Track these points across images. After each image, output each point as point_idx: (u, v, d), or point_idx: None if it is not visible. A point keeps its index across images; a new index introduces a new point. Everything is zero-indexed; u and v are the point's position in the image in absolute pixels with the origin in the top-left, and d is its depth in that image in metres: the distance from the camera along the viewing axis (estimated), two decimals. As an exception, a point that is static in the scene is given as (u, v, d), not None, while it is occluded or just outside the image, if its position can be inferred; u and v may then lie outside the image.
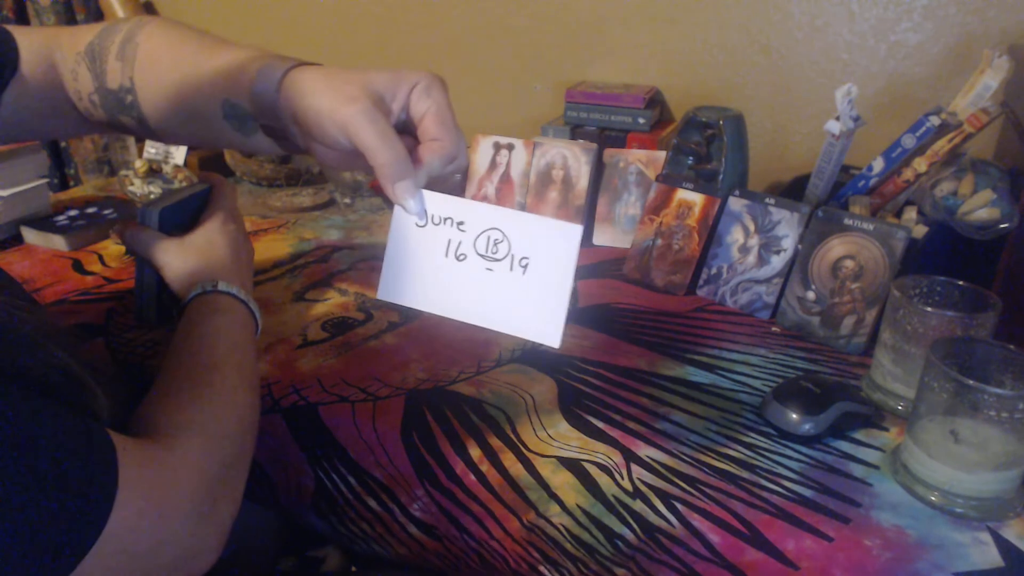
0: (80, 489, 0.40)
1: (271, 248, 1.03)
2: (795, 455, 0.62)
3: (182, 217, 0.74)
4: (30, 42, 0.63)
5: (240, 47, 0.59)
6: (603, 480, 0.60)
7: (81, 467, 0.40)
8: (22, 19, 1.59)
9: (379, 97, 0.52)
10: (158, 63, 0.61)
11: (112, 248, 1.02)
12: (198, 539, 0.48)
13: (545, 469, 0.61)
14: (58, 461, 0.39)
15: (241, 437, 0.56)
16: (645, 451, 0.62)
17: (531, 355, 0.76)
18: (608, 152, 1.05)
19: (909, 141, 0.85)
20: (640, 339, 0.79)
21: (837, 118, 0.84)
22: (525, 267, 0.52)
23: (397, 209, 0.55)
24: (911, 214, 0.85)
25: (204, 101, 0.59)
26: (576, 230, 0.50)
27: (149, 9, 1.55)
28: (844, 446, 0.63)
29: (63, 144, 1.71)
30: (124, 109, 0.63)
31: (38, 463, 0.38)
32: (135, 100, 0.62)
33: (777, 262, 0.84)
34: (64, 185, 1.74)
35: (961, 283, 0.67)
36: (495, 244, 0.53)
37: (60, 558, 0.39)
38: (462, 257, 0.53)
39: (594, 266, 0.98)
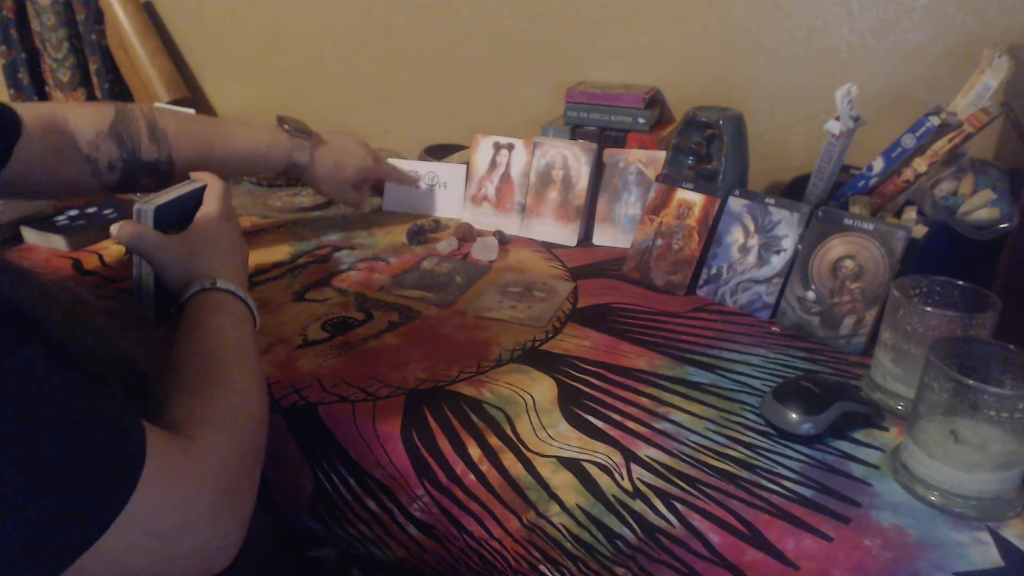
0: (109, 459, 0.42)
1: (271, 248, 1.03)
2: (795, 455, 0.62)
3: (178, 215, 0.73)
4: (28, 110, 0.77)
5: (245, 125, 0.94)
6: (603, 480, 0.60)
7: (112, 439, 0.42)
8: (22, 19, 1.59)
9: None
10: (189, 146, 0.88)
11: (112, 248, 1.02)
12: (218, 531, 0.48)
13: (545, 469, 0.61)
14: (94, 431, 0.41)
15: (256, 434, 0.56)
16: (645, 451, 0.62)
17: (531, 355, 0.76)
18: (608, 152, 1.05)
19: (909, 141, 0.85)
20: (640, 339, 0.79)
21: (837, 118, 0.84)
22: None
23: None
24: (911, 214, 0.85)
25: (233, 171, 0.94)
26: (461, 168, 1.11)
27: (149, 9, 1.55)
28: (844, 446, 0.63)
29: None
30: (154, 174, 0.86)
31: (78, 429, 0.41)
32: (171, 170, 0.87)
33: (777, 262, 0.84)
34: (64, 185, 1.74)
35: (961, 283, 0.67)
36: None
37: (86, 522, 0.40)
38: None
39: (594, 266, 0.98)
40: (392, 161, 1.15)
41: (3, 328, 0.41)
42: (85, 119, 0.81)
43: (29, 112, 0.76)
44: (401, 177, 1.11)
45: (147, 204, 0.70)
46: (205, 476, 0.48)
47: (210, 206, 0.76)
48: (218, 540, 0.48)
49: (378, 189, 1.17)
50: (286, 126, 0.99)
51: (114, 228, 0.71)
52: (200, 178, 0.79)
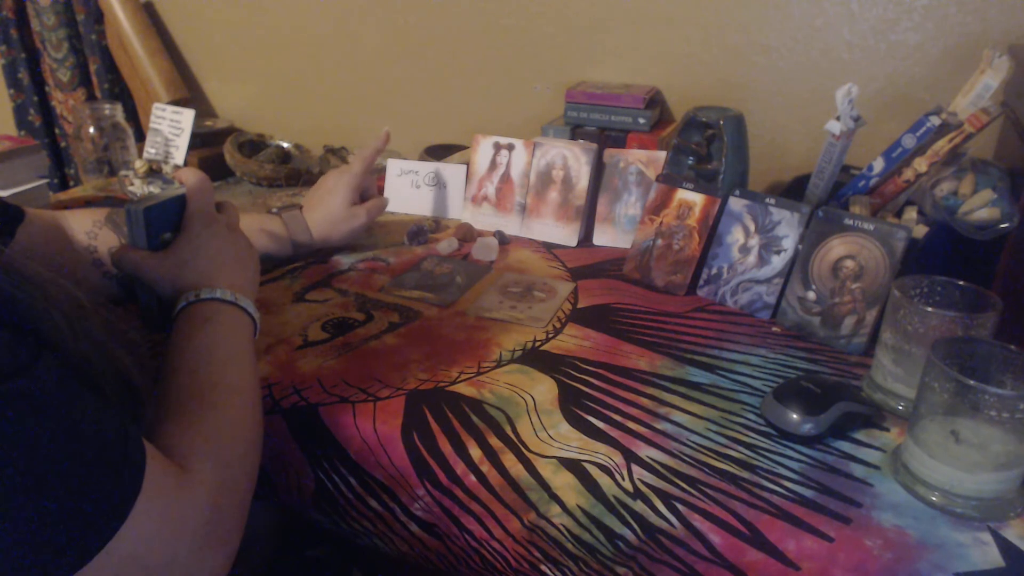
0: (106, 484, 0.42)
1: (271, 248, 1.02)
2: (796, 455, 0.62)
3: (172, 216, 0.72)
4: (32, 210, 0.76)
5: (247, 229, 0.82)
6: (604, 481, 0.59)
7: (111, 464, 0.42)
8: (22, 19, 1.59)
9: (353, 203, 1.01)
10: None
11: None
12: (205, 566, 0.48)
13: (546, 470, 0.61)
14: (95, 450, 0.42)
15: (247, 459, 0.56)
16: (646, 451, 0.62)
17: (531, 355, 0.76)
18: (608, 152, 1.05)
19: (909, 141, 0.85)
20: (640, 339, 0.79)
21: (837, 118, 0.84)
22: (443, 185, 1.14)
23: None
24: (911, 214, 0.85)
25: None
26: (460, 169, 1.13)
27: (149, 9, 1.55)
28: (845, 446, 0.63)
29: (63, 144, 1.71)
30: None
31: (79, 449, 0.41)
32: None
33: (777, 262, 0.84)
34: (64, 185, 1.75)
35: (961, 283, 0.67)
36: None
37: (78, 546, 0.40)
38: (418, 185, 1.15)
39: (594, 266, 0.98)
40: (393, 161, 1.15)
41: (20, 342, 0.41)
42: (80, 215, 0.80)
43: (29, 210, 0.76)
44: (374, 149, 1.03)
45: (137, 206, 0.69)
46: (196, 510, 0.47)
47: (191, 211, 0.72)
48: (205, 573, 0.48)
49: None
50: (273, 209, 0.97)
51: (111, 251, 0.71)
52: (181, 179, 0.74)
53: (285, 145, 1.38)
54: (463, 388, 0.71)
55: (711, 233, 0.90)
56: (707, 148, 0.97)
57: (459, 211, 1.13)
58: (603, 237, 1.05)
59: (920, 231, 0.81)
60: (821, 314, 0.80)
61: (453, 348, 0.77)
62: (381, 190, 1.16)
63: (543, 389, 0.71)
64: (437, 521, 0.63)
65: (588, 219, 1.06)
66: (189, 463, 0.50)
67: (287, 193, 1.25)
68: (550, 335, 0.80)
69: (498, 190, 1.09)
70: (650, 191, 0.95)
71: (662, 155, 1.00)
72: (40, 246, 0.73)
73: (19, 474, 0.38)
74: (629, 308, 0.87)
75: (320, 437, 0.67)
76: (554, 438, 0.64)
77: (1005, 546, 0.53)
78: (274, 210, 0.97)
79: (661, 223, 0.93)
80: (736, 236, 0.88)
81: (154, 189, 1.19)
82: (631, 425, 0.66)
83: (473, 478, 0.61)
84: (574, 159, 1.05)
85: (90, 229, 0.78)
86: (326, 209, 0.98)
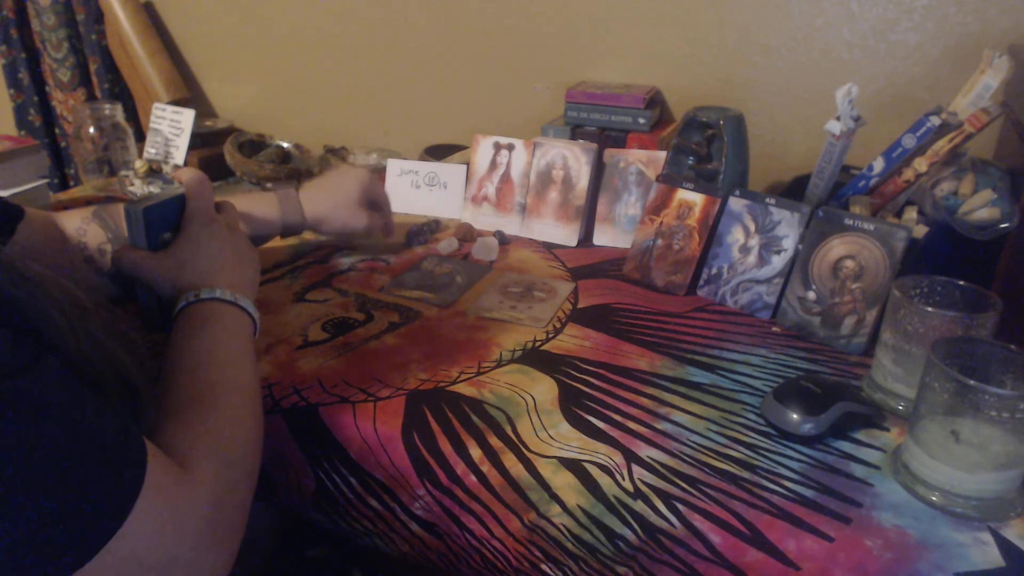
0: (106, 484, 0.42)
1: (271, 248, 1.02)
2: (796, 455, 0.62)
3: (172, 216, 0.71)
4: (30, 209, 0.75)
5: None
6: (604, 480, 0.60)
7: (111, 464, 0.42)
8: (22, 19, 1.59)
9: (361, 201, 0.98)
10: None
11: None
12: (206, 565, 0.48)
13: (546, 470, 0.61)
14: (95, 450, 0.42)
15: (248, 458, 0.56)
16: (646, 451, 0.62)
17: (532, 355, 0.76)
18: (608, 152, 1.05)
19: (909, 141, 0.85)
20: (640, 339, 0.79)
21: (838, 118, 0.84)
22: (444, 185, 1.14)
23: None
24: (911, 214, 0.85)
25: None
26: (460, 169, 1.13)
27: (149, 9, 1.55)
28: (845, 446, 0.63)
29: (63, 144, 1.71)
30: None
31: (79, 449, 0.41)
32: None
33: (778, 262, 0.84)
34: (64, 185, 1.74)
35: (961, 283, 0.67)
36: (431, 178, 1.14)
37: (78, 545, 0.40)
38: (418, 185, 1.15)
39: (594, 266, 0.98)
40: (393, 161, 1.15)
41: (20, 342, 0.41)
42: (71, 214, 0.79)
43: (28, 209, 0.75)
44: (389, 214, 1.02)
45: (137, 206, 0.69)
46: (198, 508, 0.47)
47: (190, 211, 0.72)
48: (206, 572, 0.48)
49: None
50: (268, 185, 0.94)
51: (113, 254, 0.71)
52: (180, 179, 0.74)
53: (285, 145, 1.38)
54: (463, 388, 0.71)
55: (711, 233, 0.90)
56: (707, 148, 0.97)
57: (459, 211, 1.13)
58: (603, 237, 1.05)
59: (920, 231, 0.81)
60: (821, 314, 0.80)
61: (453, 348, 0.77)
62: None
63: (543, 389, 0.71)
64: (437, 521, 0.63)
65: (588, 219, 1.06)
66: (190, 462, 0.50)
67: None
68: (550, 335, 0.80)
69: (498, 190, 1.09)
70: (650, 191, 0.95)
71: (662, 155, 1.00)
72: (38, 244, 0.73)
73: (19, 474, 0.38)
74: (629, 308, 0.87)
75: (320, 437, 0.67)
76: (554, 438, 0.64)
77: (1005, 546, 0.53)
78: (268, 185, 0.95)
79: (661, 223, 0.93)
80: (736, 236, 0.88)
81: (154, 189, 1.19)
82: (631, 425, 0.66)
83: (473, 478, 0.61)
84: (574, 159, 1.05)
85: (79, 226, 0.78)
86: (328, 195, 0.95)
